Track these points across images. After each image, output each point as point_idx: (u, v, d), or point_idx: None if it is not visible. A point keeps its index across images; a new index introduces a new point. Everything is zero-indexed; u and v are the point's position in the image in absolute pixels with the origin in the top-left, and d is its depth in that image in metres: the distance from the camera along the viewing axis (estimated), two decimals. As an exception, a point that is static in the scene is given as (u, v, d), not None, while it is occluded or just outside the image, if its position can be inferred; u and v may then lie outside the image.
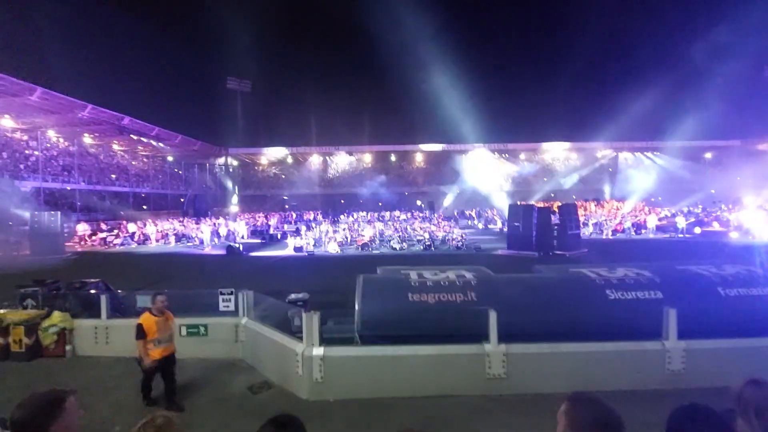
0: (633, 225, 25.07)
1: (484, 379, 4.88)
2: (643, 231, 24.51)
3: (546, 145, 52.49)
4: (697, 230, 23.83)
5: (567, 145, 52.21)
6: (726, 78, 37.71)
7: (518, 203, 23.50)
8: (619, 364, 4.94)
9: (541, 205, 25.67)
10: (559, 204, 22.80)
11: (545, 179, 52.69)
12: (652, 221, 25.05)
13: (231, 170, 54.73)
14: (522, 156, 54.63)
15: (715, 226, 24.43)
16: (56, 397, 1.48)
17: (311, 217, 37.70)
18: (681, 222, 23.45)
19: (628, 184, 44.46)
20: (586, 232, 24.50)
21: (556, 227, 18.02)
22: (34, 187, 29.15)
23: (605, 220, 27.75)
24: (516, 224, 18.09)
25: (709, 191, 38.60)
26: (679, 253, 16.60)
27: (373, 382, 4.95)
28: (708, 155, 50.61)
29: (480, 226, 33.41)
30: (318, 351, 4.95)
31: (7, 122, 32.16)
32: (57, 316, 6.66)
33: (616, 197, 42.46)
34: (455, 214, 40.68)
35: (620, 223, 26.32)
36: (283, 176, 55.07)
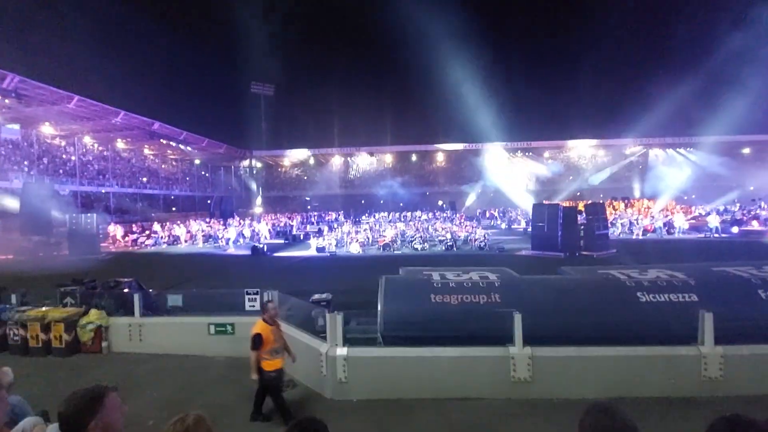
0: (665, 225, 24.09)
1: (509, 383, 4.80)
2: (675, 231, 23.51)
3: (572, 143, 51.16)
4: (735, 229, 22.66)
5: (594, 142, 50.73)
6: (766, 67, 35.72)
7: (543, 202, 22.97)
8: (652, 369, 4.77)
9: (566, 204, 25.02)
10: (586, 203, 22.17)
11: (571, 178, 51.37)
12: (679, 220, 24.00)
13: (255, 172, 55.92)
14: (546, 154, 53.45)
15: (754, 225, 23.15)
16: (96, 394, 1.56)
17: (333, 218, 38.06)
18: (713, 221, 22.33)
19: (659, 181, 42.80)
20: (615, 232, 23.72)
21: (582, 227, 17.53)
22: (71, 191, 30.66)
23: (635, 219, 26.80)
24: (540, 224, 17.68)
25: (747, 188, 36.64)
26: (714, 253, 15.85)
27: (396, 383, 4.97)
28: (746, 150, 48.06)
29: (503, 226, 32.87)
30: (342, 351, 5.00)
31: (47, 129, 33.96)
32: (94, 313, 6.98)
33: (646, 196, 40.89)
34: (477, 214, 40.18)
35: (651, 222, 25.35)
36: (305, 177, 55.83)
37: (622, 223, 25.86)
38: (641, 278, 5.76)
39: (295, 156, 54.98)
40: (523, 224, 29.93)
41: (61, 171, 32.34)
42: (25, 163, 30.31)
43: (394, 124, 57.79)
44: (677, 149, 50.02)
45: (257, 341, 4.39)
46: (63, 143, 36.58)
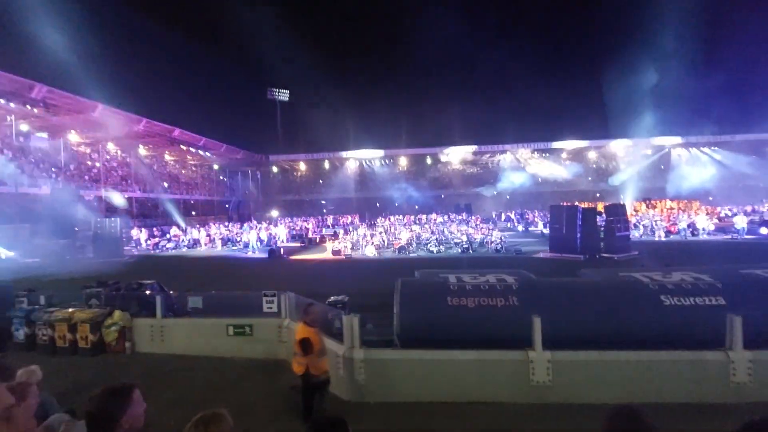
0: (688, 226, 23.35)
1: (529, 387, 4.72)
2: (699, 232, 22.76)
3: (590, 143, 50.20)
4: (763, 230, 21.80)
5: (613, 142, 49.65)
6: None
7: (561, 204, 22.56)
8: (677, 374, 4.62)
9: (585, 205, 24.54)
10: (606, 204, 21.69)
11: (590, 179, 50.40)
12: (701, 221, 23.20)
13: (271, 176, 56.72)
14: (564, 155, 52.59)
15: (784, 226, 22.25)
16: (125, 389, 1.61)
17: (349, 221, 38.25)
18: (740, 222, 21.52)
19: (682, 182, 41.58)
20: (636, 233, 23.12)
21: (602, 229, 17.15)
22: (96, 196, 31.68)
23: (657, 220, 26.07)
24: (558, 226, 17.39)
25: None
26: (742, 255, 15.27)
27: (413, 386, 4.94)
28: (775, 149, 46.35)
29: (520, 228, 32.44)
30: (359, 353, 5.01)
31: (74, 137, 35.24)
32: (118, 315, 7.18)
33: (669, 196, 39.78)
34: (494, 216, 39.77)
35: (674, 223, 24.61)
36: (321, 181, 56.32)
37: (644, 225, 25.20)
38: (665, 281, 5.59)
39: (310, 160, 55.56)
40: (540, 226, 29.48)
41: (86, 177, 33.46)
42: (53, 169, 31.48)
43: (409, 127, 57.86)
44: (701, 148, 48.53)
45: (308, 345, 4.18)
46: (88, 150, 37.88)
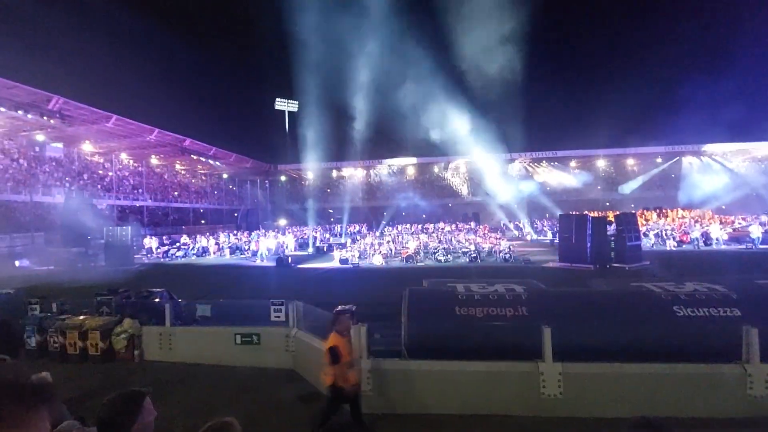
0: (701, 235, 22.95)
1: (539, 399, 4.64)
2: (712, 242, 22.35)
3: (600, 152, 49.84)
4: (780, 240, 21.36)
5: (623, 150, 49.27)
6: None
7: (570, 213, 22.37)
8: (692, 388, 4.51)
9: (595, 214, 24.29)
10: (616, 213, 21.46)
11: (599, 187, 49.95)
12: (715, 231, 22.78)
13: (279, 185, 57.18)
14: (573, 164, 52.28)
15: (802, 236, 21.76)
16: (136, 397, 1.62)
17: (356, 230, 38.29)
18: (755, 231, 21.10)
19: (694, 190, 41.00)
20: (648, 243, 22.79)
21: (613, 238, 16.94)
22: (108, 205, 32.20)
23: (669, 230, 25.68)
24: (568, 235, 17.22)
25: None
26: (757, 266, 14.96)
27: (421, 397, 4.88)
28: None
29: (529, 237, 32.18)
30: (366, 364, 4.97)
31: (87, 147, 35.99)
32: (128, 322, 7.24)
33: (680, 205, 39.23)
34: (502, 225, 39.53)
35: (686, 233, 24.22)
36: (328, 190, 56.60)
37: (655, 234, 24.84)
38: (678, 291, 5.49)
39: (318, 169, 55.93)
40: (549, 236, 29.22)
41: (99, 186, 34.07)
42: (67, 179, 32.12)
43: (416, 136, 57.97)
44: (713, 156, 47.90)
45: (336, 354, 4.05)
46: (101, 160, 38.62)
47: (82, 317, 7.53)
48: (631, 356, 4.70)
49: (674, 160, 49.51)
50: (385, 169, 55.97)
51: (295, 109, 60.03)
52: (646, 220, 30.98)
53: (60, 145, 34.68)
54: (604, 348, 4.86)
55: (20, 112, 24.33)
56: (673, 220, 30.90)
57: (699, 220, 29.20)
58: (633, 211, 25.86)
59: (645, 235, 23.31)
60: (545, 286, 6.50)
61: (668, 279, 6.44)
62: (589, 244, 16.53)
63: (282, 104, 59.46)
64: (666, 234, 24.67)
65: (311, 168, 55.46)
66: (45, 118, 25.63)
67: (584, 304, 5.64)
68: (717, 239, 22.40)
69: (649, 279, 6.58)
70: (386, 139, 54.62)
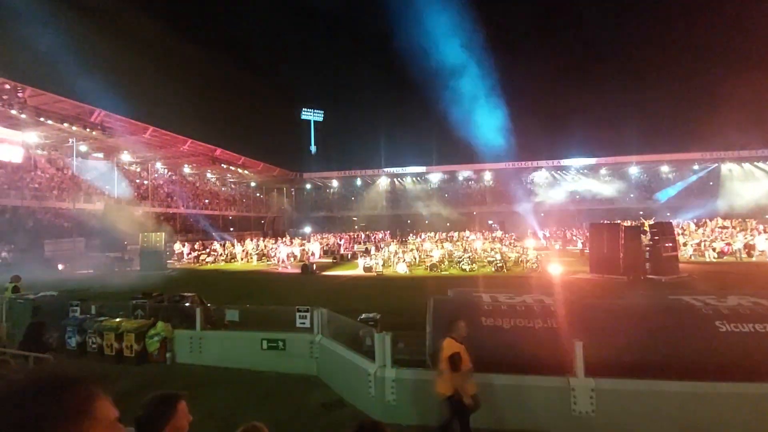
0: (744, 246, 21.63)
1: (570, 416, 4.47)
2: (756, 253, 21.01)
3: (632, 158, 48.00)
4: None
5: (657, 156, 47.30)
6: None
7: (602, 222, 21.62)
8: (736, 409, 4.23)
9: (628, 223, 23.35)
10: (651, 222, 20.57)
11: (631, 195, 48.11)
12: (761, 243, 21.41)
13: (305, 193, 58.16)
14: (603, 171, 50.64)
15: None
16: (171, 399, 1.68)
17: (380, 237, 38.35)
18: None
19: (735, 198, 38.82)
20: (685, 254, 21.69)
21: (648, 249, 16.21)
22: (144, 212, 33.65)
23: (708, 240, 24.36)
24: (599, 245, 16.61)
25: None
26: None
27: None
28: None
29: (557, 246, 31.27)
30: (390, 373, 4.94)
31: (126, 157, 37.84)
32: (161, 325, 7.50)
33: (720, 214, 37.18)
34: (529, 233, 38.62)
35: (728, 243, 22.90)
36: (353, 198, 57.07)
37: (693, 245, 23.61)
38: (720, 305, 5.19)
39: (342, 177, 56.61)
40: (579, 245, 28.31)
41: (136, 194, 35.67)
42: (107, 187, 33.82)
43: (441, 144, 57.89)
44: (755, 163, 45.26)
45: (457, 362, 3.79)
46: (138, 169, 40.50)
47: (118, 319, 7.86)
48: (668, 373, 4.47)
49: (713, 166, 47.12)
50: (410, 177, 55.95)
51: (321, 119, 61.20)
52: (683, 230, 29.51)
53: (101, 155, 36.66)
54: (639, 364, 4.64)
55: (66, 124, 25.89)
56: (713, 230, 29.30)
57: (743, 230, 27.55)
58: (669, 220, 24.74)
59: (682, 245, 22.20)
60: (576, 298, 6.29)
61: (709, 292, 6.09)
62: (622, 255, 15.89)
63: (308, 114, 60.75)
64: (705, 245, 23.41)
65: (335, 176, 56.21)
66: (88, 129, 27.16)
67: (618, 318, 5.41)
68: (761, 250, 21.03)
69: (688, 292, 6.24)
70: (411, 146, 54.79)
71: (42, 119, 24.44)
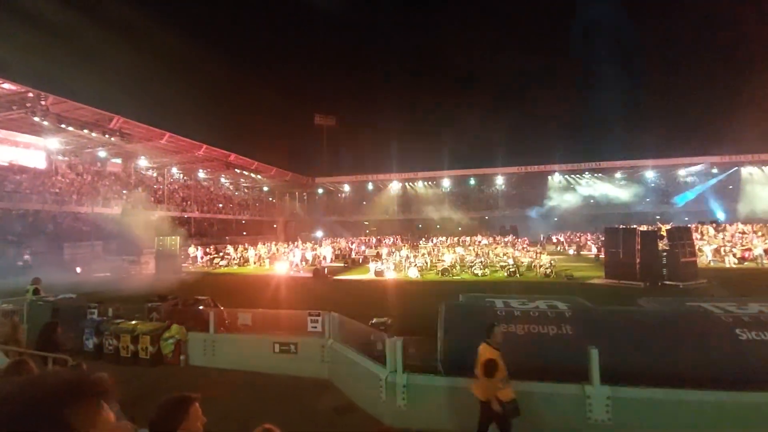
0: (766, 252, 20.97)
1: (585, 425, 4.38)
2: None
3: (648, 162, 47.11)
4: None
5: (674, 160, 46.33)
6: None
7: (617, 226, 21.23)
8: (759, 419, 4.10)
9: (644, 228, 22.90)
10: (669, 227, 20.12)
11: (647, 200, 47.18)
12: None
13: (317, 198, 58.55)
14: (618, 174, 49.77)
15: None
16: (184, 402, 1.70)
17: (391, 242, 38.31)
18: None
19: (756, 202, 37.75)
20: (704, 260, 21.14)
21: (665, 254, 15.85)
22: (160, 216, 34.27)
23: (728, 245, 23.70)
24: (615, 250, 16.31)
25: None
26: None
27: (457, 415, 4.75)
28: None
29: (571, 251, 30.80)
30: (401, 378, 4.93)
31: (143, 162, 38.68)
32: (175, 328, 7.61)
33: (740, 219, 36.16)
34: (542, 238, 38.14)
35: (748, 248, 22.24)
36: (364, 202, 57.22)
37: (712, 250, 23.00)
38: (740, 313, 5.05)
39: (354, 182, 56.82)
40: (594, 250, 27.84)
41: (152, 198, 36.38)
42: (124, 192, 34.58)
43: (452, 149, 57.74)
44: (778, 167, 43.97)
45: (493, 367, 3.76)
46: (155, 174, 41.34)
47: (134, 322, 8.00)
48: (686, 382, 4.35)
49: (732, 170, 45.93)
50: (421, 181, 55.87)
51: (333, 123, 61.68)
52: (702, 235, 28.77)
53: (119, 160, 37.55)
54: (656, 372, 4.54)
55: (85, 130, 26.59)
56: (733, 235, 28.50)
57: (765, 235, 26.73)
58: (687, 225, 24.17)
59: (700, 250, 21.64)
60: (591, 304, 6.18)
61: (728, 299, 5.93)
62: (638, 260, 15.58)
63: (321, 119, 61.30)
64: (725, 250, 22.78)
65: (347, 180, 56.46)
66: (106, 135, 27.83)
67: (635, 324, 5.30)
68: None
69: (707, 298, 6.08)
70: (423, 151, 54.79)
71: (63, 126, 25.14)
